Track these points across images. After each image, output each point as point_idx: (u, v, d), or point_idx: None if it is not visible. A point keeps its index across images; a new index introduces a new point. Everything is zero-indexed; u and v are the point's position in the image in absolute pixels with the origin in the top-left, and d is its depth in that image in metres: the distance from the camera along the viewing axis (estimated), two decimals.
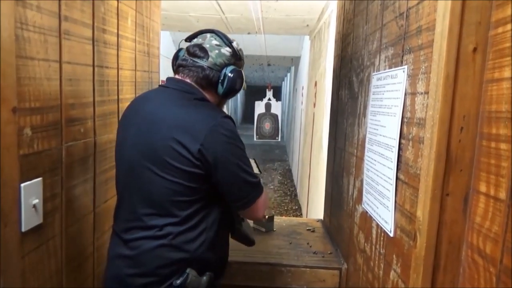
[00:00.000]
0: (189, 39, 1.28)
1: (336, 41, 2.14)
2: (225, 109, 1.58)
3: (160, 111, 1.16)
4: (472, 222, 0.80)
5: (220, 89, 1.23)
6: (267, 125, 9.00)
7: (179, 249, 1.13)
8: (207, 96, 1.24)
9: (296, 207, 6.42)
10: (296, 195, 7.16)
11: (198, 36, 1.26)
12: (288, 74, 13.37)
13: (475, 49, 0.79)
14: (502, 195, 0.70)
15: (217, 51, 1.22)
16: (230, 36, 1.29)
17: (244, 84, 1.35)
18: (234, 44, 1.27)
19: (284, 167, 10.24)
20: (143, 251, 1.13)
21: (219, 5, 3.97)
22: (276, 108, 8.98)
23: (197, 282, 1.13)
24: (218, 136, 1.11)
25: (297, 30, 5.33)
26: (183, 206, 1.12)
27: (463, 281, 0.82)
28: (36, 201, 1.00)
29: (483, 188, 0.77)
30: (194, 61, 1.21)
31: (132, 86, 1.70)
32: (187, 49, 1.24)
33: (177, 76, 1.25)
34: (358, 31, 1.59)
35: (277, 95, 14.74)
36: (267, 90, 8.87)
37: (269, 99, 8.87)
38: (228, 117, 1.18)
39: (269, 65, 9.95)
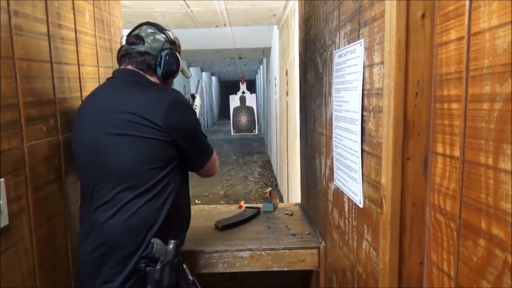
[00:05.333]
0: (128, 34, 1.40)
1: (299, 26, 2.15)
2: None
3: (116, 96, 1.27)
4: (433, 183, 0.82)
5: (159, 71, 1.36)
6: (243, 118, 8.95)
7: (147, 217, 1.21)
8: (152, 79, 1.36)
9: (278, 196, 6.46)
10: (277, 185, 7.21)
11: (136, 29, 1.39)
12: (261, 66, 13.37)
13: (423, 15, 0.81)
14: (457, 152, 0.73)
15: (152, 37, 1.35)
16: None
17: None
18: (169, 32, 1.41)
19: (264, 159, 10.28)
20: (111, 227, 1.20)
21: None
22: (251, 100, 8.93)
23: (163, 250, 1.21)
24: (178, 109, 1.27)
25: (265, 20, 5.33)
26: (153, 173, 1.22)
27: (428, 241, 0.85)
28: None
29: (440, 149, 0.79)
30: (132, 48, 1.34)
31: (96, 82, 1.66)
32: (126, 40, 1.38)
33: (121, 67, 1.37)
34: (318, 12, 1.61)
35: (252, 88, 14.73)
36: (240, 83, 8.84)
37: (243, 92, 8.82)
38: (180, 93, 1.34)
39: (240, 58, 9.91)
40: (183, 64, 1.51)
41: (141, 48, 1.33)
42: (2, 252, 1.00)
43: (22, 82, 1.10)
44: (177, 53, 1.40)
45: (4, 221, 1.00)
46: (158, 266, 1.19)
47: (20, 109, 1.09)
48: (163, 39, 1.37)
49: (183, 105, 1.31)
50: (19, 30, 1.09)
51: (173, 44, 1.41)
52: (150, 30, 1.36)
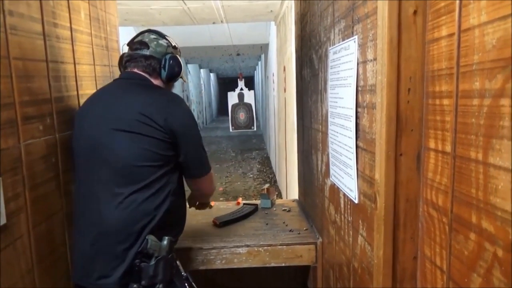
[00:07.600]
0: (131, 41, 1.45)
1: (296, 22, 2.15)
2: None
3: (121, 95, 1.33)
4: (426, 178, 0.83)
5: (163, 74, 1.42)
6: (241, 115, 8.94)
7: (144, 214, 1.24)
8: (156, 82, 1.42)
9: (277, 193, 6.48)
10: (275, 181, 7.22)
11: (138, 36, 1.46)
12: (259, 63, 13.35)
13: (415, 12, 0.82)
14: (448, 148, 0.73)
15: (155, 42, 1.42)
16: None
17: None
18: (169, 38, 1.50)
19: (262, 155, 10.28)
20: (111, 221, 1.22)
21: None
22: (249, 97, 8.92)
23: (158, 246, 1.23)
24: (179, 113, 1.32)
25: (262, 17, 5.32)
26: (150, 171, 1.25)
27: (422, 235, 0.86)
28: None
29: (432, 144, 0.80)
30: (137, 53, 1.40)
31: (92, 81, 1.67)
32: (129, 47, 1.44)
33: (127, 70, 1.43)
34: (314, 9, 1.61)
35: (250, 85, 14.70)
36: (238, 80, 8.82)
37: (241, 89, 8.80)
38: (179, 96, 1.41)
39: (238, 54, 9.89)
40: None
41: (146, 52, 1.40)
42: (1, 251, 1.00)
43: (18, 81, 1.10)
44: (178, 57, 1.47)
45: (2, 220, 1.00)
46: (153, 262, 1.21)
47: (16, 108, 1.10)
48: (166, 44, 1.45)
49: (186, 110, 1.36)
50: (14, 30, 1.10)
51: (175, 49, 1.49)
52: (153, 36, 1.44)
